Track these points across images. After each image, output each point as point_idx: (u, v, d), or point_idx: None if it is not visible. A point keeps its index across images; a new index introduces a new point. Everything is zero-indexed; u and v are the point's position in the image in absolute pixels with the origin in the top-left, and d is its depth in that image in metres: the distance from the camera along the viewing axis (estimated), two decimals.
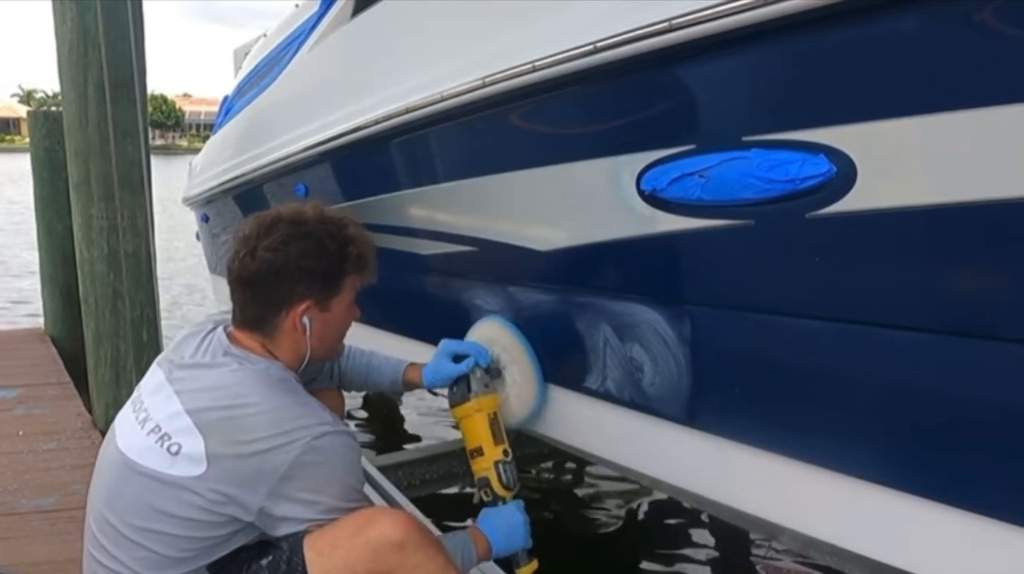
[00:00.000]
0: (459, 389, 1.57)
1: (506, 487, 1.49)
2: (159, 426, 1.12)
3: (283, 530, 1.10)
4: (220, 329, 1.23)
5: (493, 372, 1.64)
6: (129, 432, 1.16)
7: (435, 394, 3.11)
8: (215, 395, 1.12)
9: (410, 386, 1.63)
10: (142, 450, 1.11)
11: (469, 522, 1.62)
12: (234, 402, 1.10)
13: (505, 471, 1.50)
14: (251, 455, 1.06)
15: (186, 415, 1.10)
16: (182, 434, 1.09)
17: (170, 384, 1.16)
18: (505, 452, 1.53)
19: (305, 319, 1.19)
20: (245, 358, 1.16)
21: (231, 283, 1.21)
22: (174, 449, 1.08)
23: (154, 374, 1.22)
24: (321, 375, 1.53)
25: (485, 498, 1.49)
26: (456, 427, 1.64)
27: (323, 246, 1.19)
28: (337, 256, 1.20)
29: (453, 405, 1.58)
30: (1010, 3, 0.80)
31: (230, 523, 1.09)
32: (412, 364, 1.62)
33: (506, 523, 1.42)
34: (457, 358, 1.59)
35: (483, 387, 1.57)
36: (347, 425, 1.16)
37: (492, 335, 1.70)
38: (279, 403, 1.11)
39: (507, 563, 1.47)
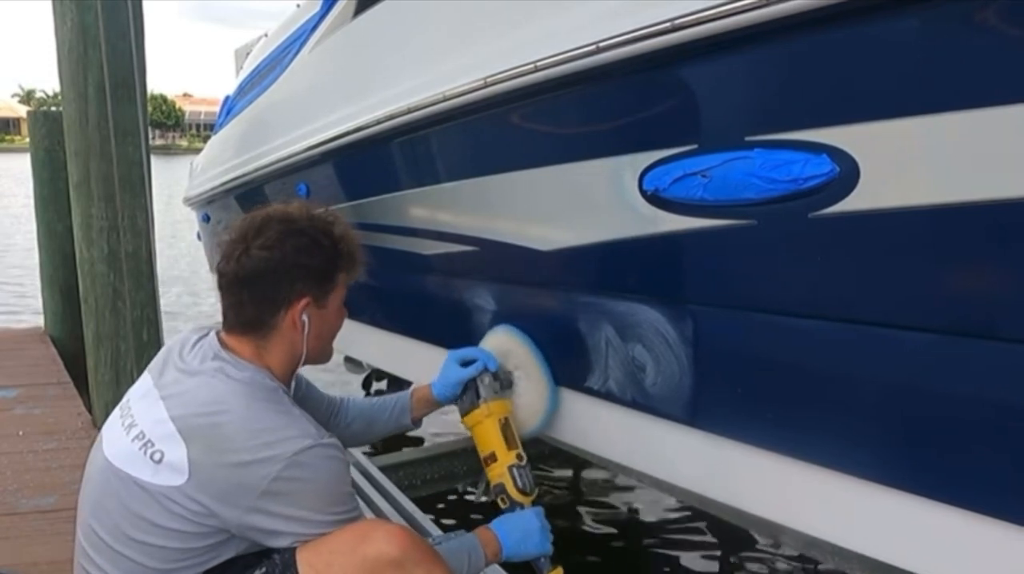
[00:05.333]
0: (468, 396, 1.54)
1: (522, 492, 1.45)
2: (143, 433, 1.10)
3: (270, 543, 1.08)
4: (212, 334, 1.21)
5: (504, 382, 1.60)
6: (115, 438, 1.14)
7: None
8: (200, 402, 1.09)
9: (421, 407, 1.57)
10: (126, 457, 1.09)
11: (472, 522, 1.60)
12: (218, 410, 1.08)
13: (520, 475, 1.46)
14: (232, 466, 1.04)
15: (170, 422, 1.08)
16: (165, 441, 1.07)
17: (157, 390, 1.14)
18: (519, 456, 1.49)
19: (304, 316, 1.18)
20: (234, 364, 1.14)
21: (224, 286, 1.19)
22: (157, 457, 1.06)
23: (143, 379, 1.20)
24: None
25: (503, 505, 1.45)
26: (470, 438, 1.59)
27: (317, 242, 1.19)
28: (331, 252, 1.20)
29: (464, 414, 1.55)
30: (1013, 3, 0.80)
31: (215, 534, 1.06)
32: (419, 387, 1.59)
33: (521, 526, 1.38)
34: (465, 363, 1.56)
35: (492, 393, 1.54)
36: (331, 435, 1.13)
37: (503, 345, 1.67)
38: (263, 414, 1.08)
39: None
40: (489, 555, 1.32)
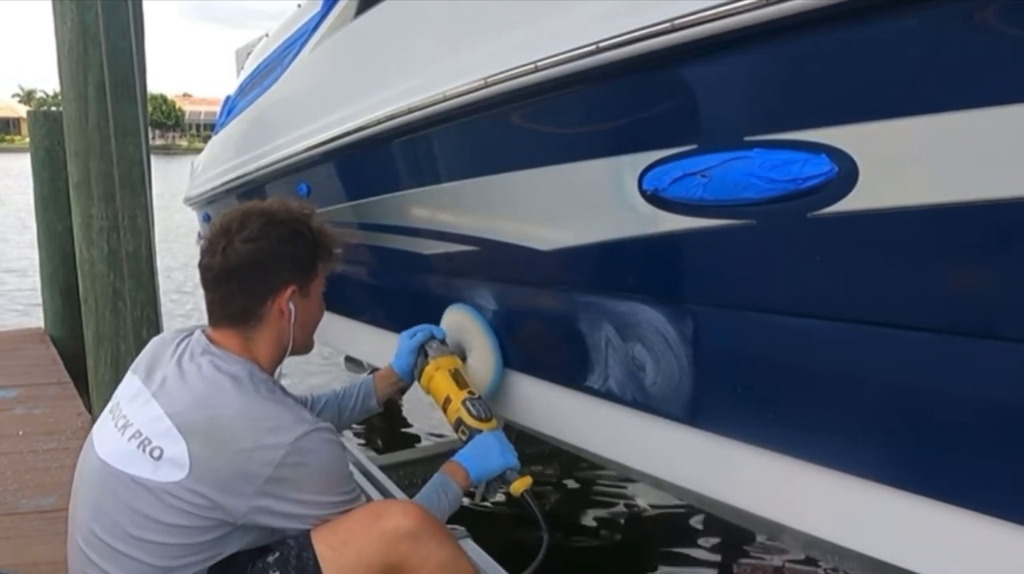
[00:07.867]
0: (420, 361, 1.67)
1: (478, 418, 1.53)
2: (140, 431, 1.10)
3: (278, 526, 1.10)
4: (197, 332, 1.23)
5: (458, 351, 1.74)
6: (108, 439, 1.14)
7: None
8: (195, 397, 1.11)
9: (384, 387, 1.66)
10: (123, 456, 1.10)
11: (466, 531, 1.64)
12: (214, 403, 1.09)
13: (474, 405, 1.55)
14: (235, 455, 1.05)
15: (167, 418, 1.09)
16: (163, 437, 1.08)
17: (148, 389, 1.15)
18: (471, 393, 1.58)
19: (291, 305, 1.21)
20: (223, 358, 1.16)
21: (210, 280, 1.21)
22: (156, 454, 1.07)
23: (130, 381, 1.21)
24: None
25: (463, 437, 1.54)
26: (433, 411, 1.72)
27: (299, 232, 1.23)
28: (312, 242, 1.25)
29: (418, 378, 1.66)
30: (1013, 3, 0.81)
31: (218, 527, 1.07)
32: (381, 368, 1.70)
33: (479, 446, 1.47)
34: (414, 337, 1.69)
35: (439, 353, 1.66)
36: (324, 420, 1.18)
37: (456, 320, 1.81)
38: (259, 403, 1.11)
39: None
40: (460, 482, 1.38)
